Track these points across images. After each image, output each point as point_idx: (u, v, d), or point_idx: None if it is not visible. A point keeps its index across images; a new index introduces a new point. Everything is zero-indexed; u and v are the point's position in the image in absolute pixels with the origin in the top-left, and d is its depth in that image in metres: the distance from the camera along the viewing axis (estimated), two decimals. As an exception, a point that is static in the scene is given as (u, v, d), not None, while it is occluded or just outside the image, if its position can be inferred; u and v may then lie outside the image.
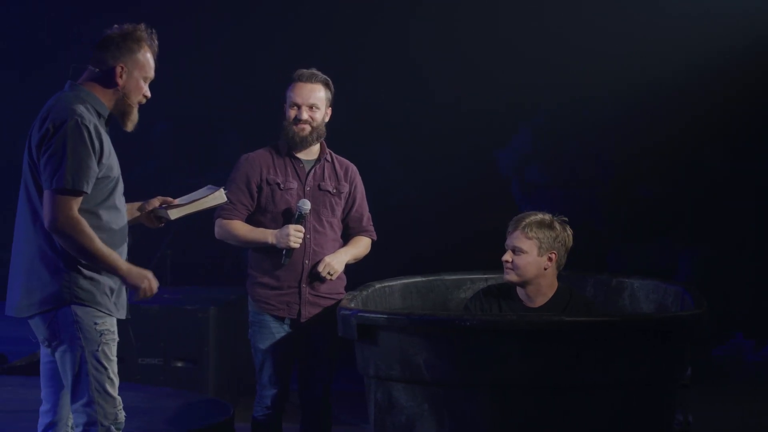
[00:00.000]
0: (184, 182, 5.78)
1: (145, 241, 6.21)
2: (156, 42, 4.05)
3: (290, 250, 4.81)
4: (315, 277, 4.89)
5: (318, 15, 9.46)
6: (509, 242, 4.80)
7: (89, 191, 3.83)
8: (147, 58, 4.01)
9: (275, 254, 4.85)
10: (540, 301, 4.81)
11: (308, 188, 4.91)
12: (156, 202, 4.22)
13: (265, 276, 4.90)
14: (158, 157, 9.81)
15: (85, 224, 3.82)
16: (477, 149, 9.33)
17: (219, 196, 4.32)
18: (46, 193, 3.82)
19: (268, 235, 4.83)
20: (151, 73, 4.04)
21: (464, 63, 9.20)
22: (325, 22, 9.47)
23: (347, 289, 4.99)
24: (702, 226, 8.58)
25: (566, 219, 4.87)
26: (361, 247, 5.05)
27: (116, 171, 3.97)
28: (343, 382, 5.70)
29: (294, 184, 4.90)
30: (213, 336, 6.51)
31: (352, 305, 4.57)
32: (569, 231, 4.84)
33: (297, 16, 9.50)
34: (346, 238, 5.04)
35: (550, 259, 4.78)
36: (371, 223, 5.10)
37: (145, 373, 6.50)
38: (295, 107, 4.86)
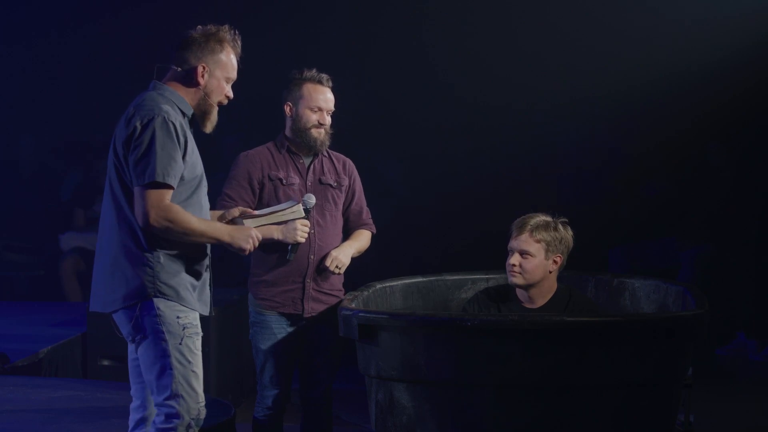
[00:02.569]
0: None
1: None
2: (240, 44, 4.09)
3: (296, 246, 4.79)
4: (320, 272, 4.89)
5: (316, 16, 9.45)
6: (516, 245, 4.76)
7: (175, 186, 3.86)
8: (230, 58, 4.05)
9: (279, 250, 4.84)
10: (540, 302, 4.80)
11: (310, 183, 4.90)
12: (236, 212, 4.28)
13: (268, 273, 4.89)
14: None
15: (176, 210, 3.85)
16: (480, 150, 9.31)
17: (297, 211, 4.45)
18: (138, 190, 3.83)
19: (273, 231, 4.78)
20: (234, 74, 4.08)
21: (468, 62, 9.19)
22: (324, 22, 9.46)
23: (348, 287, 4.98)
24: (705, 226, 8.56)
25: (566, 220, 4.86)
26: (363, 240, 5.05)
27: (199, 169, 4.02)
28: (344, 381, 5.70)
29: (296, 180, 4.89)
30: (214, 336, 6.50)
31: (354, 305, 4.57)
32: (570, 232, 4.83)
33: (294, 16, 9.49)
34: (347, 231, 5.05)
35: (555, 262, 4.77)
36: (370, 216, 5.11)
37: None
38: (319, 111, 4.86)
